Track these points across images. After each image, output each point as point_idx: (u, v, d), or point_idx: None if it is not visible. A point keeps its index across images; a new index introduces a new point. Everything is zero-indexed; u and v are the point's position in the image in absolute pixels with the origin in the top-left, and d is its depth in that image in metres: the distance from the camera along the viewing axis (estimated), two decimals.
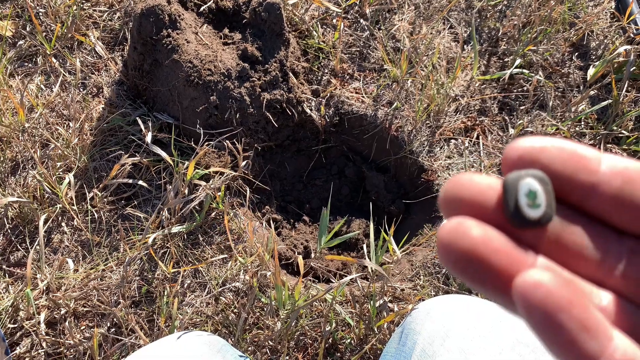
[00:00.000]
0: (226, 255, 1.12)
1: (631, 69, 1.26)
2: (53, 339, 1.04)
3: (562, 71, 1.34)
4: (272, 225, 1.20)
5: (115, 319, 1.06)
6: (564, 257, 0.30)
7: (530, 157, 0.30)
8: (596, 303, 0.29)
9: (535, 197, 0.28)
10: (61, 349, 1.04)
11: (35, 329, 1.04)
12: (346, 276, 1.13)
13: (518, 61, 1.31)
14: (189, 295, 1.09)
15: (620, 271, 0.29)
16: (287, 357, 1.05)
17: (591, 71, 1.32)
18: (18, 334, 1.05)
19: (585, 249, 0.30)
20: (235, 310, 1.07)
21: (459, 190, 0.29)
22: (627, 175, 0.28)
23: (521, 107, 1.30)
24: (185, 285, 1.10)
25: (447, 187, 0.30)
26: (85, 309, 1.08)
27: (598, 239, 0.30)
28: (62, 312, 1.07)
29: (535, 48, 1.34)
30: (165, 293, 1.06)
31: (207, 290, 1.09)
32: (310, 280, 1.14)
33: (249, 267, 1.09)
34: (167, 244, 1.11)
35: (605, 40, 1.37)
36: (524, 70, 1.31)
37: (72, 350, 1.04)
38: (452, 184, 0.30)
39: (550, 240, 0.30)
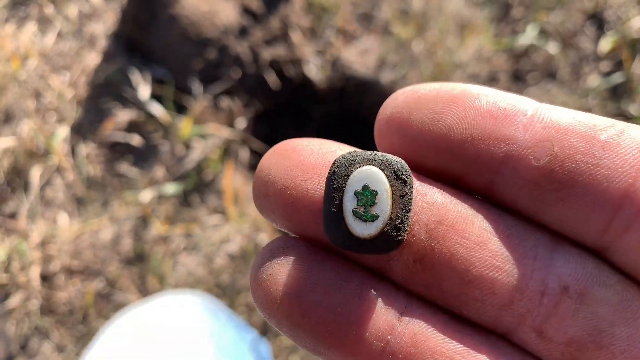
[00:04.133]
0: (221, 216, 1.11)
1: None
2: (47, 290, 1.05)
3: (575, 42, 1.29)
4: None
5: (108, 276, 1.07)
6: (454, 297, 0.20)
7: (400, 120, 0.21)
8: None
9: (372, 201, 0.18)
10: (55, 303, 1.05)
11: (28, 280, 1.05)
12: None
13: (530, 29, 1.26)
14: (182, 255, 1.09)
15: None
16: None
17: (603, 43, 1.28)
18: (12, 287, 1.05)
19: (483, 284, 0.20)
20: (229, 270, 1.07)
21: (273, 177, 0.20)
22: (562, 140, 0.19)
23: (530, 78, 1.26)
24: (179, 245, 1.10)
25: (258, 172, 0.21)
26: (78, 263, 1.08)
27: (514, 253, 0.20)
28: (57, 267, 1.07)
29: (548, 20, 1.29)
30: (158, 252, 1.06)
31: (200, 251, 1.09)
32: None
33: (243, 229, 1.08)
34: (161, 202, 1.11)
35: (620, 11, 1.32)
36: (535, 41, 1.27)
37: (66, 305, 1.04)
38: (267, 161, 0.21)
39: (420, 271, 0.20)
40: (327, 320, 0.19)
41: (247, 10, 1.16)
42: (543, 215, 0.20)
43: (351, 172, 0.18)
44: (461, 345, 0.20)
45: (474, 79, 1.26)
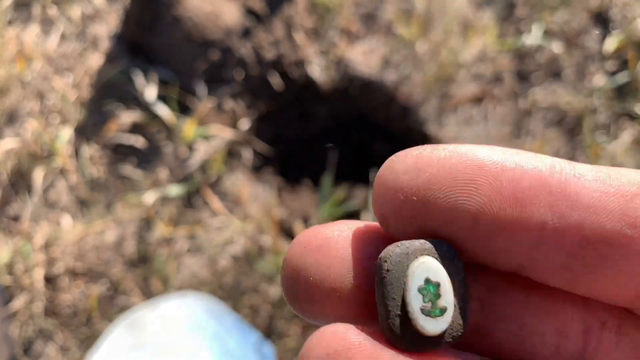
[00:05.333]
0: (225, 218, 1.11)
1: None
2: (51, 292, 1.05)
3: (580, 42, 1.29)
4: (274, 191, 1.19)
5: (112, 278, 1.06)
6: None
7: (412, 193, 0.18)
8: None
9: (437, 294, 0.16)
10: (59, 306, 1.04)
11: (31, 282, 1.05)
12: None
13: (536, 29, 1.25)
14: (186, 257, 1.09)
15: None
16: (283, 321, 1.05)
17: (608, 42, 1.27)
18: (15, 289, 1.05)
19: None
20: (233, 272, 1.07)
21: (303, 265, 0.18)
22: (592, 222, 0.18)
23: (535, 78, 1.26)
24: (183, 247, 1.09)
25: (288, 256, 0.19)
26: (82, 265, 1.08)
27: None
28: (60, 269, 1.07)
29: (552, 19, 1.28)
30: (162, 254, 1.05)
31: (204, 252, 1.09)
32: None
33: (247, 231, 1.08)
34: (164, 204, 1.10)
35: (625, 10, 1.31)
36: (540, 41, 1.26)
37: (70, 307, 1.04)
38: (297, 248, 0.19)
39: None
40: None
41: (250, 11, 1.16)
42: (576, 289, 0.19)
43: (407, 267, 0.16)
44: None
45: (478, 78, 1.26)
